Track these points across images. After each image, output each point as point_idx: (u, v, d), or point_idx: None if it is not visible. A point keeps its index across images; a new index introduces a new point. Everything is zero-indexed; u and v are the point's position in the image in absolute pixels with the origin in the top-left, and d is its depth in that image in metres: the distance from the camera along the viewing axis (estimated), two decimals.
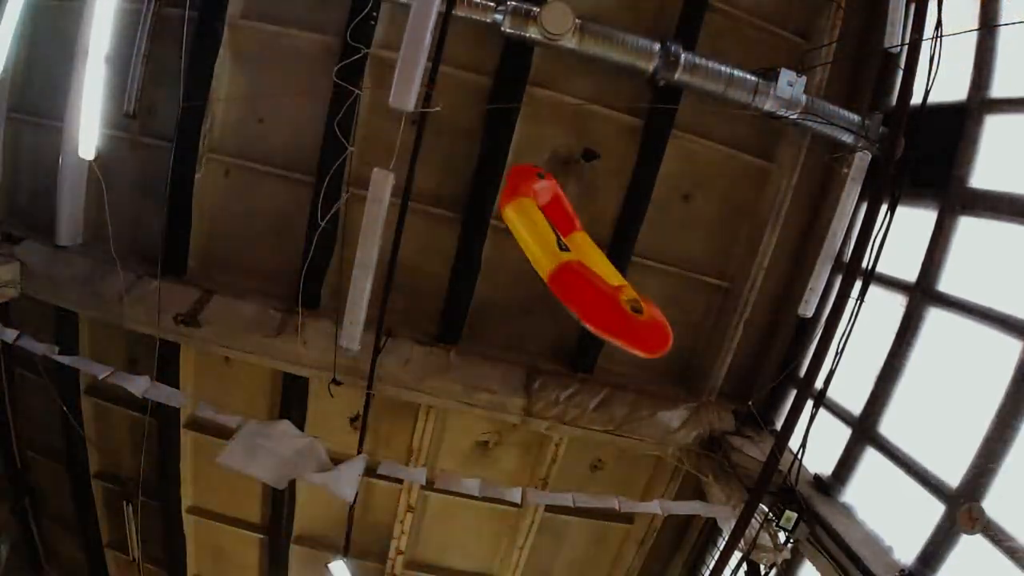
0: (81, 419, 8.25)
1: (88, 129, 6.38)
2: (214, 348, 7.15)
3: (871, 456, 6.04)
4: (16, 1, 6.21)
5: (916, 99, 5.64)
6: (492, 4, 5.99)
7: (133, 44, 6.50)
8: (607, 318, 4.37)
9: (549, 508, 8.22)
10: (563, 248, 4.80)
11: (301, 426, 7.55)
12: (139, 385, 6.10)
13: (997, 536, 4.58)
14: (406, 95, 5.28)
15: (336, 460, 6.24)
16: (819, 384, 6.04)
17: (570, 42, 5.98)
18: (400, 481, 7.98)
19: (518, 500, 6.47)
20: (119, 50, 6.43)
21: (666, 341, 4.47)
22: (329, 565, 7.61)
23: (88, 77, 6.27)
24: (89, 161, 6.62)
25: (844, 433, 6.36)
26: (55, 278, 7.02)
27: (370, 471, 6.63)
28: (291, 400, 7.74)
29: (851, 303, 5.84)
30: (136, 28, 6.48)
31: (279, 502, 8.45)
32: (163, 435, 8.08)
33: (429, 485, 6.86)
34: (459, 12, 5.88)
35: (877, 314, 6.07)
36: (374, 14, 6.43)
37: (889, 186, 5.86)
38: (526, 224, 4.96)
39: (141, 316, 6.89)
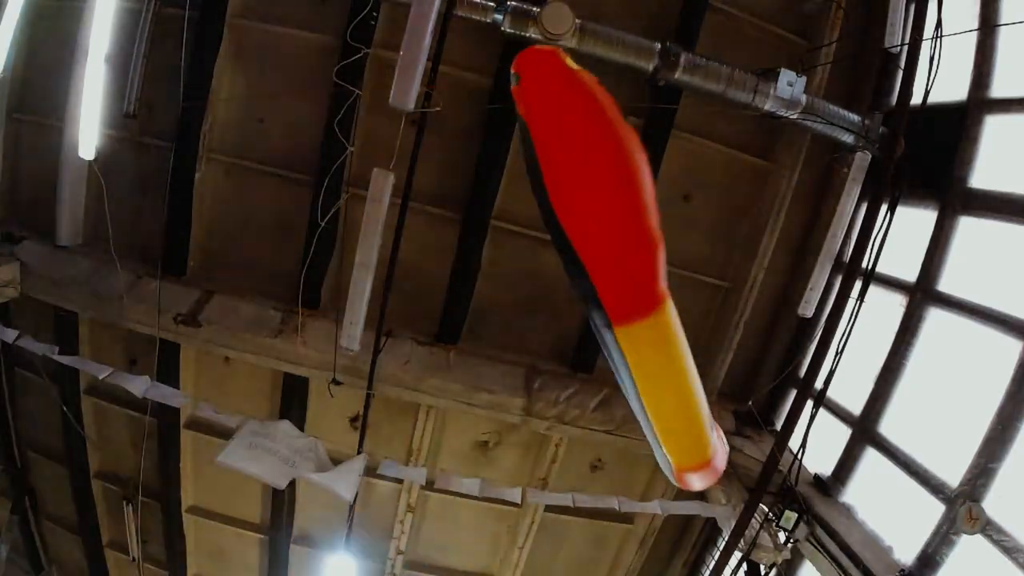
0: (81, 419, 8.25)
1: (88, 129, 6.38)
2: (214, 348, 7.14)
3: (871, 456, 6.04)
4: (16, 1, 6.21)
5: (916, 99, 5.64)
6: (492, 4, 5.98)
7: (133, 44, 6.49)
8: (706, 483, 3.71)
9: (549, 508, 8.21)
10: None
11: (301, 426, 7.55)
12: (139, 385, 6.09)
13: (997, 536, 4.58)
14: (406, 95, 5.29)
15: (336, 460, 6.24)
16: (819, 384, 6.04)
17: (570, 42, 5.97)
18: (400, 481, 7.98)
19: (518, 500, 6.47)
20: (119, 50, 6.43)
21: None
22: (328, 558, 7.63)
23: (88, 77, 6.26)
24: (89, 161, 6.62)
25: (844, 433, 6.37)
26: (55, 278, 7.02)
27: (370, 471, 6.63)
28: (291, 400, 7.74)
29: (851, 303, 5.84)
30: (136, 28, 6.48)
31: (279, 502, 8.45)
32: (163, 435, 8.08)
33: (429, 485, 6.86)
34: (459, 12, 5.88)
35: (877, 314, 6.07)
36: (374, 14, 6.42)
37: (889, 186, 5.86)
38: (669, 380, 3.11)
39: (141, 316, 6.89)
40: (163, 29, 6.57)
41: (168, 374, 7.41)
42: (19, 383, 8.54)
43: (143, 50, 6.54)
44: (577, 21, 5.88)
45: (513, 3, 5.93)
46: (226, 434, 6.07)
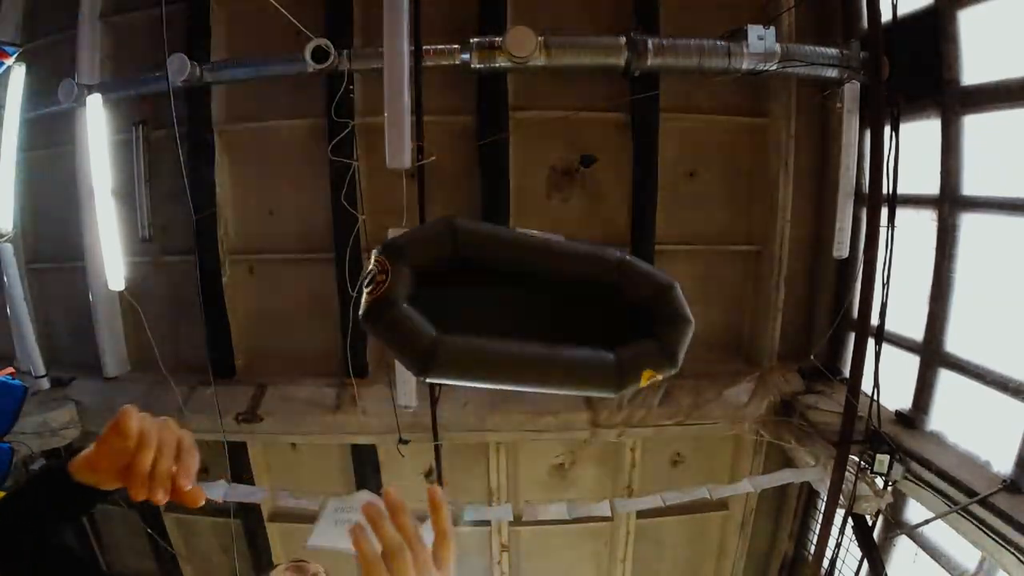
0: (167, 536, 8.38)
1: (112, 262, 6.63)
2: (279, 438, 7.28)
3: (946, 377, 5.89)
4: (9, 159, 6.49)
5: (887, 16, 5.64)
6: (457, 47, 6.15)
7: (133, 172, 6.80)
8: None
9: (641, 514, 8.10)
10: None
11: (379, 491, 7.58)
12: (218, 491, 6.23)
13: None
14: (400, 154, 5.42)
15: (421, 517, 6.25)
16: (875, 321, 5.93)
17: (539, 60, 6.09)
18: (488, 523, 7.96)
19: (608, 513, 6.42)
20: (120, 180, 6.73)
21: None
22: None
23: (100, 213, 6.53)
24: (120, 291, 6.86)
25: (913, 362, 6.21)
26: (112, 407, 7.18)
27: (455, 520, 6.63)
28: (364, 469, 7.79)
29: (883, 232, 5.77)
30: (131, 156, 6.79)
31: None
32: (250, 533, 8.17)
33: (517, 520, 6.83)
34: (428, 63, 6.03)
35: (913, 235, 5.98)
36: (350, 87, 6.60)
37: (886, 108, 5.82)
38: None
39: (203, 424, 7.00)
40: (157, 150, 6.87)
41: (241, 473, 7.54)
42: (99, 516, 8.70)
43: (144, 175, 6.84)
44: (540, 39, 6.00)
45: (476, 39, 6.09)
46: (310, 518, 6.14)
